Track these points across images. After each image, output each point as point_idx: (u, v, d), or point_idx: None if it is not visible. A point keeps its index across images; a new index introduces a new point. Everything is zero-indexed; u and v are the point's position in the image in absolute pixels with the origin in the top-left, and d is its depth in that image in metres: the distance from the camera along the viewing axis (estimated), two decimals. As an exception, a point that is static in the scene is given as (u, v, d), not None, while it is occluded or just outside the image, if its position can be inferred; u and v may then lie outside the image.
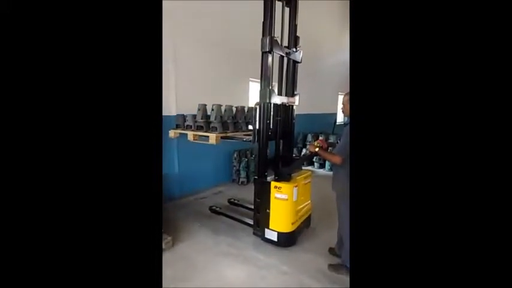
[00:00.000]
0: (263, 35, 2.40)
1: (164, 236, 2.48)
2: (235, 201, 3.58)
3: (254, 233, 2.72)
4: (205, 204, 3.57)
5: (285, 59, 2.77)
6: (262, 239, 2.62)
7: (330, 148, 2.39)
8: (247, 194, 3.71)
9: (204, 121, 2.92)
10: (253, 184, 2.75)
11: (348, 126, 2.00)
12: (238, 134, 2.93)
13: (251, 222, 2.77)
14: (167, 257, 2.32)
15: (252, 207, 2.80)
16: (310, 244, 2.64)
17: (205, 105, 3.01)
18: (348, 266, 2.09)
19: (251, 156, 4.73)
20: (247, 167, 4.65)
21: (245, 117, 3.23)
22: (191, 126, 3.05)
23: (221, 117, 2.91)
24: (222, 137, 2.76)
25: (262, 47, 2.39)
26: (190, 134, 2.94)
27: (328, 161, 2.60)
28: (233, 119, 3.06)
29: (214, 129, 2.83)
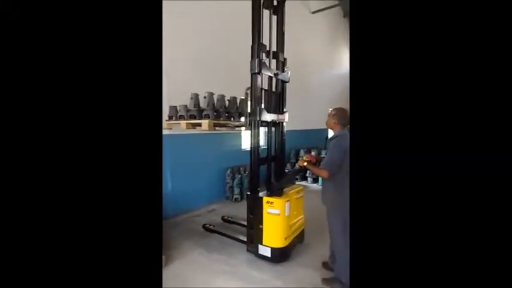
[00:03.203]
0: (252, 58, 2.54)
1: (157, 255, 2.47)
2: (229, 219, 3.58)
3: (248, 250, 2.72)
4: (199, 222, 3.56)
5: (274, 79, 2.91)
6: (255, 256, 2.62)
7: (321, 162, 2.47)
8: (241, 211, 3.71)
9: (196, 109, 2.99)
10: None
11: (333, 141, 2.10)
12: (231, 123, 2.99)
13: (245, 239, 2.78)
14: (160, 277, 2.30)
15: (246, 224, 2.82)
16: (304, 259, 2.65)
17: (198, 94, 3.08)
18: (341, 279, 2.11)
19: (244, 172, 4.77)
20: (240, 183, 4.67)
21: (237, 108, 3.27)
22: (184, 117, 3.09)
23: (213, 105, 2.96)
24: (214, 124, 2.80)
25: (252, 68, 2.52)
26: (183, 124, 3.00)
27: (316, 175, 2.67)
28: (225, 109, 3.12)
29: (206, 117, 2.89)
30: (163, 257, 2.49)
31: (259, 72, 2.52)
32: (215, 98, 3.01)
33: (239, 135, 5.08)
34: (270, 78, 2.90)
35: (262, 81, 2.64)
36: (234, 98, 3.30)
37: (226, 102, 3.21)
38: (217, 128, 3.05)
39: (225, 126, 2.91)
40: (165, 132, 3.68)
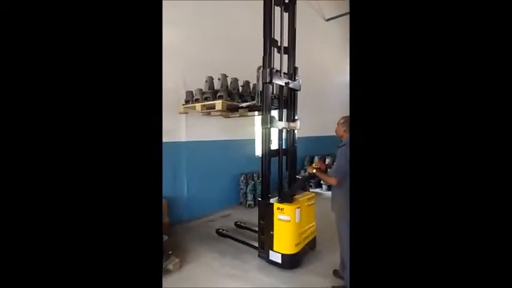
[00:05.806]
0: (263, 67, 2.63)
1: (172, 257, 2.57)
2: (242, 224, 3.64)
3: (259, 256, 2.76)
4: (213, 227, 3.65)
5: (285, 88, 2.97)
6: (266, 261, 2.66)
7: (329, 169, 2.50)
8: (254, 217, 3.76)
9: (210, 91, 3.20)
10: (258, 207, 2.84)
11: (341, 148, 2.12)
12: (243, 105, 3.17)
13: (256, 244, 2.83)
14: (174, 278, 2.40)
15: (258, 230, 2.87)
16: (315, 266, 2.65)
17: (212, 77, 3.29)
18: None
19: (258, 179, 4.83)
20: (254, 189, 4.73)
21: (250, 92, 3.40)
22: (199, 100, 3.31)
23: (227, 86, 3.13)
24: (227, 107, 2.96)
25: (263, 78, 2.60)
26: (198, 106, 3.24)
27: (325, 182, 2.69)
28: (238, 92, 3.29)
29: (220, 98, 3.08)
30: (177, 259, 2.60)
31: (271, 82, 2.60)
32: (229, 80, 3.19)
33: (253, 142, 5.16)
34: (281, 87, 2.97)
35: (274, 90, 2.72)
36: (247, 82, 3.43)
37: (240, 88, 3.37)
38: (230, 115, 3.24)
39: (238, 109, 3.07)
40: (181, 138, 3.85)
